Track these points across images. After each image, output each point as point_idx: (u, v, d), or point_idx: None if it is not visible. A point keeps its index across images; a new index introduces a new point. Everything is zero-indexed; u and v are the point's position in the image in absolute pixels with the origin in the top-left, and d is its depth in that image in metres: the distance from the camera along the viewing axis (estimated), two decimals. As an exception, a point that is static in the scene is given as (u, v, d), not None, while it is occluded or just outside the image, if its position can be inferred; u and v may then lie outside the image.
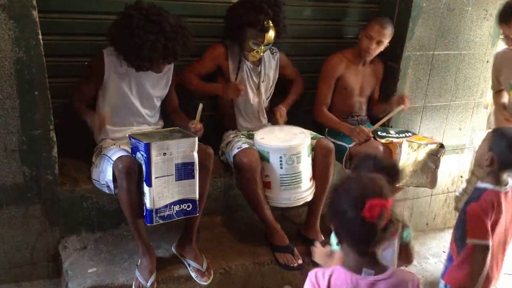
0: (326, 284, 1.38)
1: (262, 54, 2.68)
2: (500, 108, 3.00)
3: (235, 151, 2.51)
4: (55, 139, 2.33)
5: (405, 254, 1.95)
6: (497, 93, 3.05)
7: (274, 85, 2.90)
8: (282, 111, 2.82)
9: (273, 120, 2.86)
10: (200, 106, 2.39)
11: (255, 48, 2.62)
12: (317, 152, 2.58)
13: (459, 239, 2.02)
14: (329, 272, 1.39)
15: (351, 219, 1.29)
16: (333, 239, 1.71)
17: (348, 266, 1.38)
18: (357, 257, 1.36)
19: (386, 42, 2.87)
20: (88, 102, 2.41)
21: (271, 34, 2.60)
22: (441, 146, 2.80)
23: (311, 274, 1.42)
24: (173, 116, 2.66)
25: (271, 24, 2.58)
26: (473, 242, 1.96)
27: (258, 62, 2.78)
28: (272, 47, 2.80)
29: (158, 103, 2.59)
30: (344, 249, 1.40)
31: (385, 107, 3.07)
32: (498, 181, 1.98)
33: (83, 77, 2.41)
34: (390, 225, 1.30)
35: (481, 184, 2.02)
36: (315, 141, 2.61)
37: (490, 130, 2.12)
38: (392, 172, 1.84)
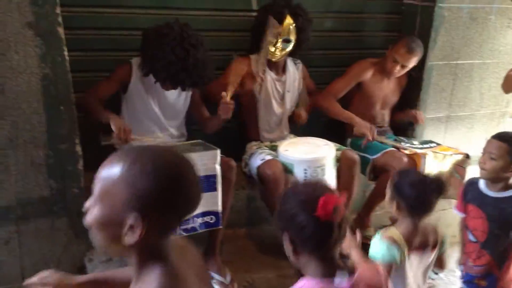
0: None
1: (282, 53, 2.61)
2: None
3: (259, 162, 2.51)
4: (80, 153, 2.36)
5: (440, 262, 2.00)
6: None
7: (298, 95, 2.87)
8: (302, 112, 2.83)
9: (293, 120, 2.86)
10: None
11: (273, 40, 2.57)
12: (342, 163, 2.56)
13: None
14: (299, 286, 1.25)
15: (306, 222, 1.18)
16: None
17: (315, 274, 1.23)
18: (320, 263, 1.23)
19: (411, 66, 2.83)
20: (100, 102, 2.37)
21: (288, 23, 2.56)
22: (467, 156, 2.76)
23: None
24: (205, 121, 2.67)
25: (289, 16, 2.57)
26: None
27: (282, 72, 2.77)
28: (294, 58, 2.80)
29: (180, 115, 2.61)
30: (305, 259, 1.24)
31: (402, 116, 3.05)
32: None
33: (105, 78, 2.42)
34: (344, 221, 1.21)
35: None
36: (340, 152, 2.59)
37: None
38: (439, 184, 1.78)
